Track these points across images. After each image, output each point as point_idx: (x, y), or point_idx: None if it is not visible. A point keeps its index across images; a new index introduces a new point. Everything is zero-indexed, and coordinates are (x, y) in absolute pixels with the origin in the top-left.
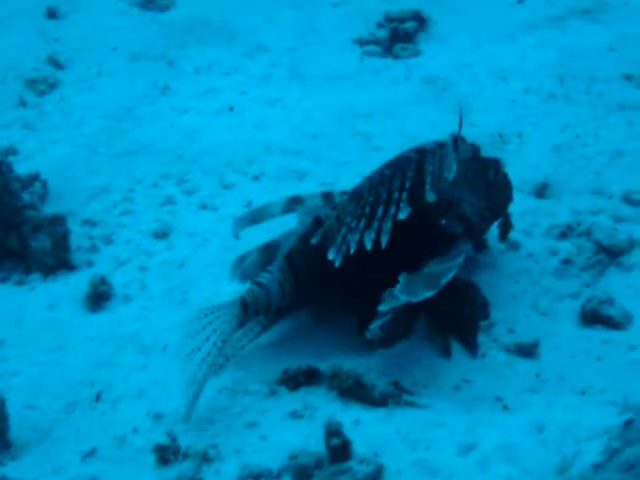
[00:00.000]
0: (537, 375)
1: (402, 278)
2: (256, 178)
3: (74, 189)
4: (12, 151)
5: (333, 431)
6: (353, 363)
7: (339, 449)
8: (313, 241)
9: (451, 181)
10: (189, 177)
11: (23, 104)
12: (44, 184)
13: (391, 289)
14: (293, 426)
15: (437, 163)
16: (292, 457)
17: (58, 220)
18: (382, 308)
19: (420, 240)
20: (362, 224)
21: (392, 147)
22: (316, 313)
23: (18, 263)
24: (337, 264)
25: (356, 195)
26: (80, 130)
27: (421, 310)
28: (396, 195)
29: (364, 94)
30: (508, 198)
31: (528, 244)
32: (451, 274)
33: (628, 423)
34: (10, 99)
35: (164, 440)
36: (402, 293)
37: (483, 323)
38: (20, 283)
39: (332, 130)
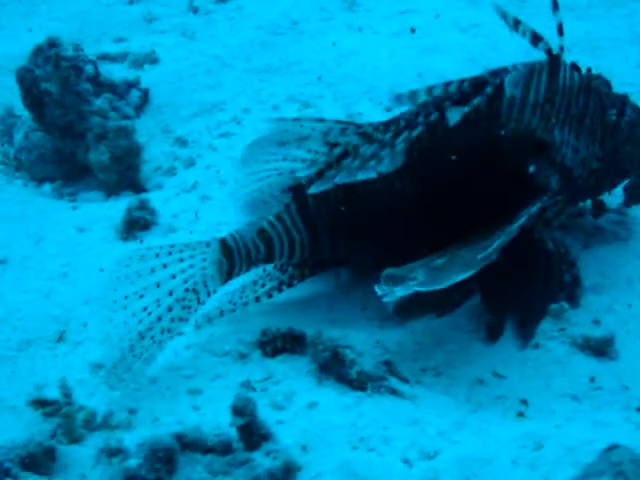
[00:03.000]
0: (592, 379)
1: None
2: (389, 110)
3: (182, 102)
4: (151, 59)
5: (238, 409)
6: (363, 335)
7: (244, 432)
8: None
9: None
10: (316, 102)
11: (194, 10)
12: (144, 93)
13: (411, 265)
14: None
15: (520, 88)
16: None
17: (123, 132)
18: (384, 299)
19: (499, 191)
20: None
21: None
22: (355, 271)
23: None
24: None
25: (392, 120)
26: (225, 40)
27: (471, 279)
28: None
29: None
30: None
31: None
32: (495, 246)
33: None
34: (183, 3)
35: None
36: (420, 281)
37: (555, 306)
38: (73, 200)
39: None
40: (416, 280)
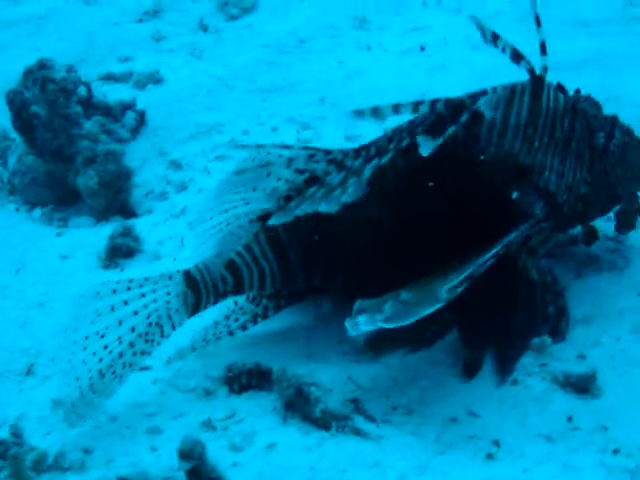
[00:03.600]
0: (569, 419)
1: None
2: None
3: (180, 124)
4: (155, 79)
5: (185, 452)
6: (335, 370)
7: (192, 476)
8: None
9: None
10: (316, 123)
11: (204, 29)
12: (141, 115)
13: (384, 297)
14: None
15: (501, 111)
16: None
17: (112, 155)
18: (350, 332)
19: (480, 219)
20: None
21: None
22: (337, 300)
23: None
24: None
25: (363, 147)
26: (231, 60)
27: (448, 311)
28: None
29: None
30: (634, 175)
31: None
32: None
33: None
34: (193, 22)
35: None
36: (386, 315)
37: (537, 340)
38: (62, 225)
39: None
40: (383, 314)
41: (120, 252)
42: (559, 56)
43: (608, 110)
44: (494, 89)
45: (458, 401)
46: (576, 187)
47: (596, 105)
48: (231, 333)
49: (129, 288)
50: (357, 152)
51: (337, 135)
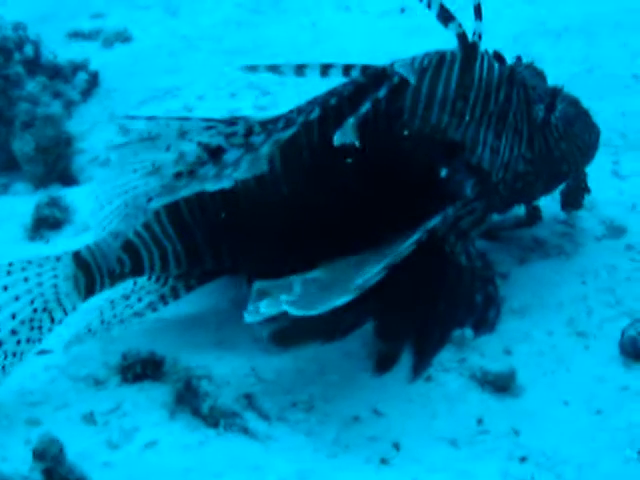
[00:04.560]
0: (479, 421)
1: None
2: None
3: (135, 87)
4: (123, 37)
5: (38, 452)
6: (239, 360)
7: (47, 476)
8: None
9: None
10: (276, 89)
11: None
12: (93, 76)
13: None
14: (75, 433)
15: (427, 82)
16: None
17: (50, 120)
18: (247, 318)
19: (404, 199)
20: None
21: None
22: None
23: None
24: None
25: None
26: (201, 18)
27: (366, 298)
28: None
29: None
30: (580, 150)
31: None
32: (378, 268)
33: None
34: None
35: None
36: (292, 299)
37: (457, 332)
38: (2, 192)
39: None
40: (290, 295)
41: (46, 223)
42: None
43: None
44: (426, 55)
45: (364, 398)
46: (514, 164)
47: (540, 75)
48: (138, 315)
49: (9, 272)
50: (264, 125)
51: (295, 102)
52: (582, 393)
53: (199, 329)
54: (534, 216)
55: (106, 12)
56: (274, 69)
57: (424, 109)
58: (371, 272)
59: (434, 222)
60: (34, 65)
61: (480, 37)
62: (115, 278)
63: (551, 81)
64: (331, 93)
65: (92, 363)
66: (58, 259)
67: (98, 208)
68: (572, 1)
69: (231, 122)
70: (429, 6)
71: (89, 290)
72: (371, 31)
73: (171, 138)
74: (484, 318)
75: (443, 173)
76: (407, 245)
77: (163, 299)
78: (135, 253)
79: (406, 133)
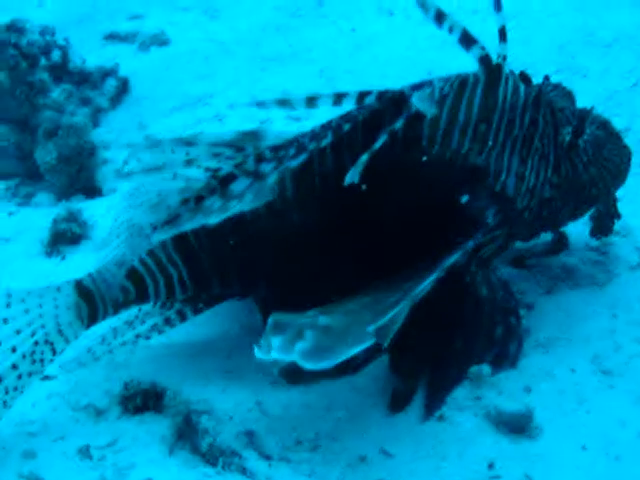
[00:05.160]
0: (490, 466)
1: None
2: None
3: (166, 94)
4: (160, 41)
5: None
6: (243, 394)
7: None
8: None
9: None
10: None
11: None
12: (123, 83)
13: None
14: (69, 469)
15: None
16: None
17: (73, 129)
18: (257, 354)
19: (422, 227)
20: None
21: None
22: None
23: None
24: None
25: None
26: (239, 23)
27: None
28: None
29: None
30: (610, 174)
31: None
32: (399, 309)
33: None
34: None
35: None
36: (305, 347)
37: (474, 368)
38: (22, 203)
39: None
40: (302, 342)
41: (64, 238)
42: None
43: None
44: (444, 79)
45: (373, 436)
46: (539, 190)
47: (567, 95)
48: (142, 337)
49: (8, 305)
50: (275, 150)
51: (326, 113)
52: (602, 437)
53: (208, 356)
54: (561, 243)
55: (145, 13)
56: (284, 104)
57: (444, 135)
58: (387, 316)
59: (454, 258)
60: (61, 71)
61: (505, 59)
62: (119, 306)
63: (594, 94)
64: (346, 117)
65: (94, 391)
66: (59, 289)
67: (105, 243)
68: (624, 11)
69: (239, 147)
70: (450, 31)
71: (92, 319)
72: (411, 38)
73: (177, 166)
74: (504, 352)
75: (464, 199)
76: (425, 285)
77: (169, 322)
78: (140, 281)
79: (425, 159)
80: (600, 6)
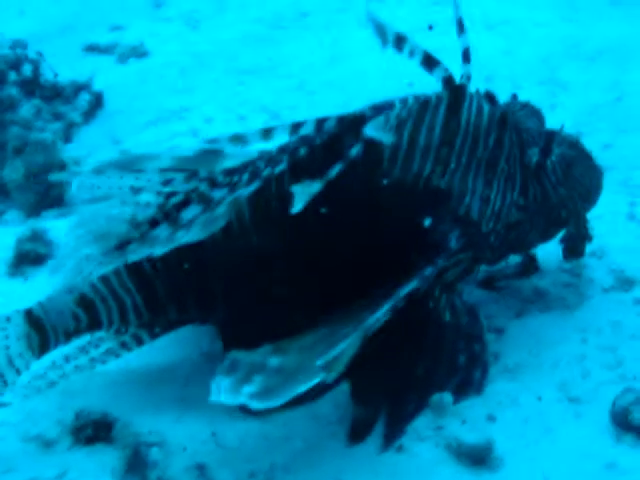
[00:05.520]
0: None
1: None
2: None
3: (141, 108)
4: (139, 53)
5: None
6: (199, 424)
7: None
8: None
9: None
10: (287, 113)
11: None
12: (96, 97)
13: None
14: None
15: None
16: None
17: (42, 145)
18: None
19: (381, 252)
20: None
21: None
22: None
23: None
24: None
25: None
26: (219, 34)
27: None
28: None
29: None
30: (580, 195)
31: None
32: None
33: None
34: None
35: None
36: (253, 390)
37: (435, 397)
38: None
39: None
40: (250, 386)
41: (27, 259)
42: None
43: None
44: (402, 100)
45: (329, 468)
46: (506, 213)
47: (536, 114)
48: (100, 362)
49: None
50: (229, 175)
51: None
52: (565, 469)
53: (165, 383)
54: (530, 266)
55: (126, 24)
56: (237, 139)
57: (405, 157)
58: (336, 350)
59: (412, 285)
60: (33, 85)
61: (469, 79)
62: (71, 335)
63: (576, 109)
64: (304, 140)
65: (45, 421)
66: (8, 319)
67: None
68: (613, 22)
69: (193, 173)
70: (411, 55)
71: (43, 348)
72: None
73: (125, 196)
74: (468, 380)
75: (426, 223)
76: (379, 315)
77: (124, 346)
78: (91, 308)
79: (385, 182)
80: (589, 16)
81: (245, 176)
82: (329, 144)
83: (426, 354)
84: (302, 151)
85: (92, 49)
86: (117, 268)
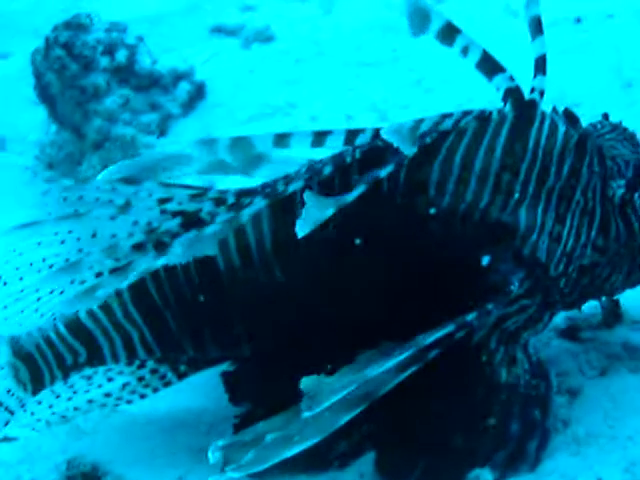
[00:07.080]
0: None
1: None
2: None
3: (245, 101)
4: (264, 37)
5: None
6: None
7: None
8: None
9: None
10: (398, 113)
11: None
12: (197, 87)
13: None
14: None
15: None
16: None
17: (121, 141)
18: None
19: (428, 292)
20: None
21: None
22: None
23: None
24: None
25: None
26: (349, 20)
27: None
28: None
29: None
30: None
31: None
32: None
33: None
34: None
35: None
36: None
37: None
38: None
39: None
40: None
41: None
42: None
43: None
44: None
45: None
46: (580, 254)
47: (630, 139)
48: (117, 398)
49: None
50: (239, 196)
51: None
52: None
53: (186, 428)
54: (615, 314)
55: (258, 4)
56: (279, 142)
57: (456, 183)
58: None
59: (442, 333)
60: (126, 73)
61: (542, 94)
62: (69, 369)
63: None
64: (332, 160)
65: (42, 465)
66: None
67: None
68: None
69: (201, 191)
70: (465, 52)
71: (37, 382)
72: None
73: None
74: (521, 452)
75: (484, 262)
76: (393, 364)
77: (143, 382)
78: (90, 340)
79: (432, 212)
80: None
81: (257, 198)
82: (361, 163)
83: (469, 420)
84: (327, 169)
85: (219, 31)
86: (121, 296)
